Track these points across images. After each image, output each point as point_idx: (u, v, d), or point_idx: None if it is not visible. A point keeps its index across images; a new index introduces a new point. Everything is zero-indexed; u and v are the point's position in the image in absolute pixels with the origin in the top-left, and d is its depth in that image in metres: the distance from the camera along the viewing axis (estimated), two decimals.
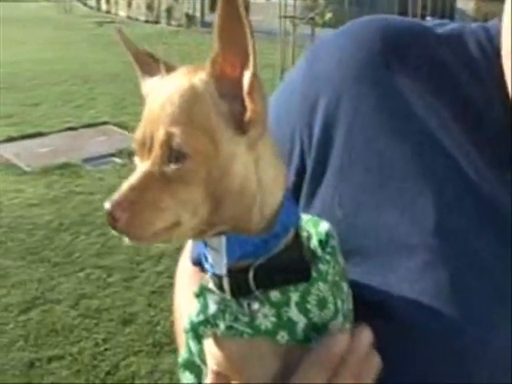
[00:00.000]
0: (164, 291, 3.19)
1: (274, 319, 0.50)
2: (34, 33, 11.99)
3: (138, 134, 0.49)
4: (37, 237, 3.77)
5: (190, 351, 0.55)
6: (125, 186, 0.47)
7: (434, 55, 0.61)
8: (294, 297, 0.50)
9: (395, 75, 0.61)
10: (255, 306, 0.50)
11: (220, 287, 0.51)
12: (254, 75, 0.47)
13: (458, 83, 0.60)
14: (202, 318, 0.51)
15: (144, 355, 2.72)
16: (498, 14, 0.63)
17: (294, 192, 0.63)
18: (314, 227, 0.57)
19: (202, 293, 0.53)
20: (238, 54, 0.47)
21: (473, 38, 0.63)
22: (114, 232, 0.47)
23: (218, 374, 0.52)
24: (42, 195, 4.39)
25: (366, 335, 0.51)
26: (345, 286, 0.54)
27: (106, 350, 2.76)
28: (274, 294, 0.50)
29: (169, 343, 2.78)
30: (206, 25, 13.54)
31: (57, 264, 3.47)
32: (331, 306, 0.51)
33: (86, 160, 5.03)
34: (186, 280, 0.76)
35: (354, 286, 0.56)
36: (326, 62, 0.65)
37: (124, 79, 7.58)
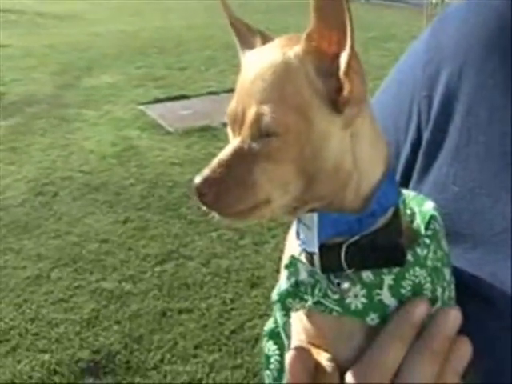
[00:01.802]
0: None
1: (364, 300, 0.48)
2: (183, 1, 12.46)
3: (230, 108, 0.48)
4: (176, 194, 3.96)
5: (276, 322, 0.54)
6: (214, 161, 0.46)
7: None
8: (388, 279, 0.48)
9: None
10: (345, 285, 0.48)
11: (311, 262, 0.50)
12: (352, 54, 0.44)
13: None
14: (290, 289, 0.50)
15: (267, 319, 2.76)
16: None
17: (408, 165, 0.61)
18: (418, 206, 0.53)
19: (292, 264, 0.50)
20: (335, 31, 0.44)
21: None
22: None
23: (300, 350, 0.50)
24: (182, 155, 4.60)
25: (454, 315, 0.47)
26: (447, 273, 0.50)
27: (232, 309, 2.84)
28: (367, 275, 0.48)
29: None
30: None
31: (192, 222, 3.62)
32: (428, 293, 0.48)
33: (226, 124, 5.16)
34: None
35: (462, 274, 0.52)
36: (450, 34, 0.61)
37: None
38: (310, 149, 0.45)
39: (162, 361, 2.53)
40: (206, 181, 0.46)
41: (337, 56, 0.45)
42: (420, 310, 0.47)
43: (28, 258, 3.27)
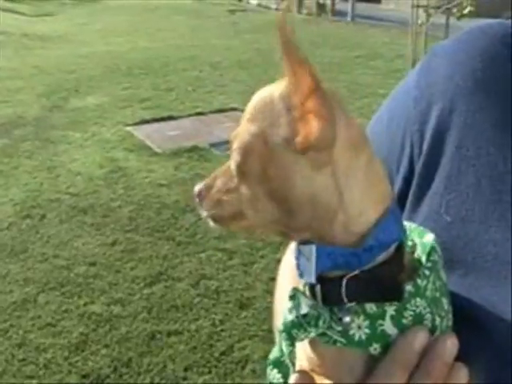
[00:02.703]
0: None
1: (367, 331, 0.49)
2: (169, 20, 12.55)
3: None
4: (164, 215, 3.95)
5: (281, 350, 0.55)
6: (212, 174, 0.53)
7: None
8: (390, 310, 0.49)
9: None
10: (347, 319, 0.49)
11: (313, 294, 0.51)
12: (309, 99, 0.46)
13: None
14: (296, 320, 0.51)
15: (259, 340, 2.76)
16: None
17: (400, 197, 0.62)
18: (419, 237, 0.55)
19: (295, 296, 0.52)
20: (302, 81, 0.46)
21: None
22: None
23: (303, 373, 0.52)
24: (170, 176, 4.60)
25: (452, 342, 0.48)
26: (445, 303, 0.52)
27: (222, 330, 2.83)
28: (370, 306, 0.49)
29: None
30: (337, 13, 13.39)
31: (181, 243, 3.61)
32: (428, 323, 0.50)
33: (214, 144, 5.17)
34: (287, 274, 0.77)
35: (455, 296, 0.54)
36: (439, 71, 0.64)
37: (254, 66, 7.72)
38: (274, 175, 0.48)
39: None
40: (199, 190, 0.53)
41: (304, 102, 0.47)
42: (420, 338, 0.48)
43: (14, 282, 3.24)
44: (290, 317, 0.51)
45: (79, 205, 4.12)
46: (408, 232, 0.54)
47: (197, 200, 0.53)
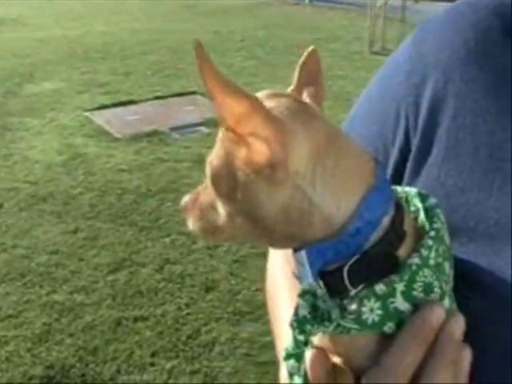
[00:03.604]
0: (246, 261, 3.22)
1: (380, 312, 0.49)
2: (124, 3, 12.30)
3: None
4: (125, 201, 3.91)
5: (297, 344, 0.54)
6: (197, 188, 0.55)
7: None
8: (400, 287, 0.49)
9: (498, 56, 0.58)
10: (353, 306, 0.49)
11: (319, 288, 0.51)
12: (256, 123, 0.45)
13: None
14: (309, 316, 0.52)
15: (224, 322, 2.77)
16: None
17: (397, 169, 0.62)
18: (422, 202, 0.55)
19: (305, 293, 0.53)
20: (233, 106, 0.45)
21: None
22: None
23: (320, 349, 0.52)
24: (131, 161, 4.54)
25: (460, 322, 0.49)
26: (446, 267, 0.52)
27: (188, 314, 2.83)
28: (379, 287, 0.49)
29: (249, 312, 2.82)
30: None
31: (144, 228, 3.58)
32: (437, 290, 0.50)
33: (174, 128, 5.12)
34: (280, 277, 0.78)
35: (460, 261, 0.54)
36: (431, 43, 0.64)
37: (212, 49, 7.64)
38: (242, 198, 0.48)
39: (118, 371, 2.49)
40: (185, 202, 0.55)
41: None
42: (437, 314, 0.48)
43: None
44: (303, 312, 0.52)
45: (39, 193, 4.04)
46: (409, 197, 0.54)
47: (183, 213, 0.55)
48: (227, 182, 0.49)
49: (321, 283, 0.50)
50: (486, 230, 0.55)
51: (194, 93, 6.08)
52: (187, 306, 2.89)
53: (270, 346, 2.62)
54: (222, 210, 0.51)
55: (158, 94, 6.20)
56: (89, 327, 2.75)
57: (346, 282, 0.49)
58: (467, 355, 0.49)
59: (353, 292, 0.49)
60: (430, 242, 0.51)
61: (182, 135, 5.01)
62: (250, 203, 0.48)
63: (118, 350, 2.60)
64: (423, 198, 0.55)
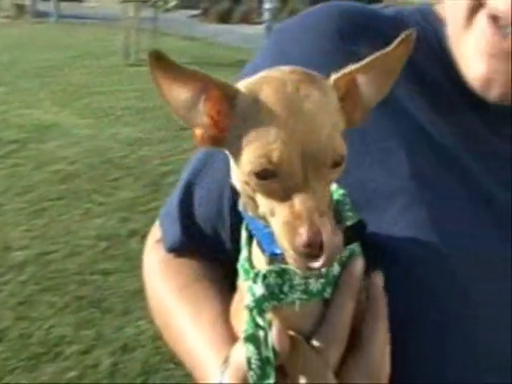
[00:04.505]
0: (33, 300, 3.01)
1: (323, 280, 0.56)
2: None
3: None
4: None
5: (255, 326, 0.57)
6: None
7: (387, 35, 0.64)
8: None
9: (358, 53, 0.65)
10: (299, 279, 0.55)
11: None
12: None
13: (414, 61, 0.65)
14: (266, 294, 0.55)
15: (20, 372, 2.56)
16: None
17: None
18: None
19: (258, 275, 0.56)
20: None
21: (412, 19, 0.75)
22: None
23: (281, 330, 0.56)
24: None
25: (362, 263, 0.59)
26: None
27: None
28: None
29: (46, 353, 2.64)
30: (39, 15, 12.77)
31: None
32: (356, 248, 0.59)
33: None
34: (162, 274, 0.82)
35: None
36: (291, 51, 0.73)
37: None
38: None
39: None
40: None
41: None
42: (358, 267, 0.58)
43: None
44: (260, 292, 0.55)
45: None
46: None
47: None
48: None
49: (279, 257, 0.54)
50: (368, 200, 0.65)
51: None
52: None
53: (77, 380, 2.49)
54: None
55: None
56: None
57: None
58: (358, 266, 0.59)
59: None
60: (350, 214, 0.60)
61: None
62: None
63: None
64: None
